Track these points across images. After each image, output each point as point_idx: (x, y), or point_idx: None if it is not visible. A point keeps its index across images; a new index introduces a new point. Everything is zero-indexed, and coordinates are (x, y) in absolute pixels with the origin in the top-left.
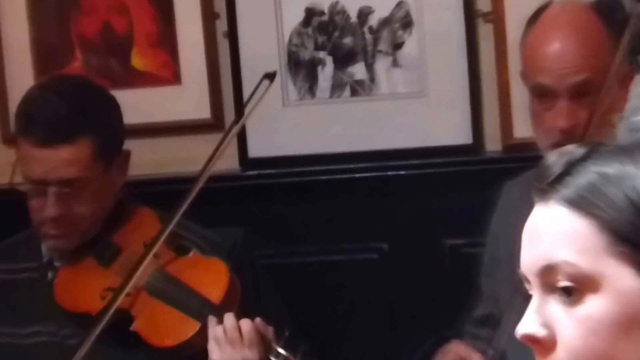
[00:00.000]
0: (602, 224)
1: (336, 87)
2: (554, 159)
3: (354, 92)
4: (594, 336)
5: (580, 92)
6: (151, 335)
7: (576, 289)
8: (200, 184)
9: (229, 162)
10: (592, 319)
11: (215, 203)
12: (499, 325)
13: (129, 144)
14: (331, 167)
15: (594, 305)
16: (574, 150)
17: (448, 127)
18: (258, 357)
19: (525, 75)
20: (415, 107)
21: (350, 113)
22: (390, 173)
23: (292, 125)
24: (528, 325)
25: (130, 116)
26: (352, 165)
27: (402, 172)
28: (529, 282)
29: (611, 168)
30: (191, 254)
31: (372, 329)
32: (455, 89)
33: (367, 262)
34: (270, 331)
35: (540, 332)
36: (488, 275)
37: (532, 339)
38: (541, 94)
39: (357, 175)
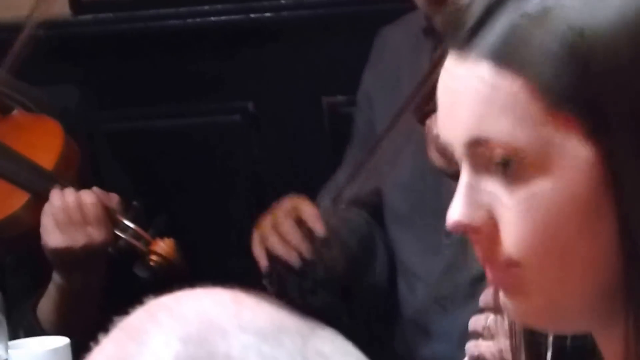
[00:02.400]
0: (539, 86)
1: None
2: None
3: None
4: (544, 221)
5: None
6: None
7: (516, 162)
8: (25, 33)
9: (57, 5)
10: (539, 201)
11: (43, 56)
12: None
13: None
14: (182, 9)
15: (539, 185)
16: None
17: None
18: (104, 234)
19: None
20: None
21: None
22: (253, 15)
23: None
24: (460, 210)
25: None
26: (207, 7)
27: (269, 14)
28: (452, 151)
29: (533, 4)
30: (15, 112)
31: (235, 204)
32: None
33: (228, 126)
34: (115, 202)
35: (476, 217)
36: (360, 146)
37: (466, 227)
38: None
39: (213, 18)
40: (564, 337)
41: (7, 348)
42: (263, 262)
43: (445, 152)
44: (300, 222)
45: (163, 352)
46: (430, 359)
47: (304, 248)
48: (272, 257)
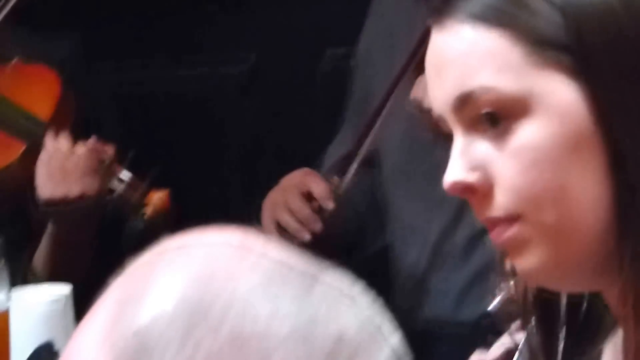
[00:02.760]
0: (518, 32)
1: None
2: None
3: None
4: (535, 167)
5: None
6: None
7: (502, 116)
8: None
9: None
10: (529, 148)
11: (41, 6)
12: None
13: None
14: None
15: (527, 133)
16: None
17: None
18: (99, 184)
19: None
20: None
21: None
22: None
23: None
24: (455, 171)
25: None
26: None
27: None
28: (446, 123)
29: None
30: (13, 62)
31: (236, 160)
32: None
33: (230, 78)
34: (111, 153)
35: (471, 176)
36: (359, 105)
37: (463, 187)
38: None
39: None
40: (578, 303)
41: (8, 294)
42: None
43: (437, 125)
44: (309, 197)
45: (170, 291)
46: (428, 317)
47: (314, 224)
48: (282, 231)
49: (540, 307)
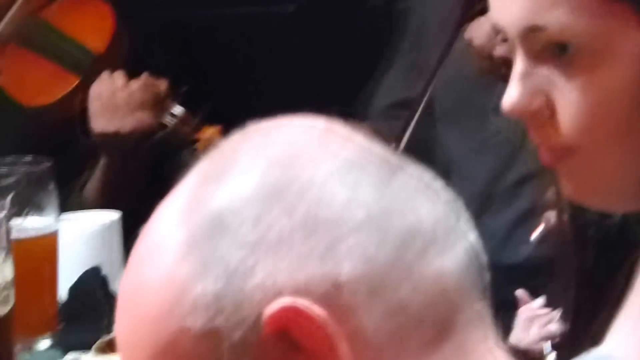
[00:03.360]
0: None
1: None
2: None
3: None
4: (603, 106)
5: None
6: (20, 91)
7: (573, 47)
8: None
9: None
10: (596, 86)
11: None
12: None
13: None
14: None
15: (596, 72)
16: None
17: None
18: (152, 119)
19: None
20: None
21: None
22: None
23: None
24: (515, 95)
25: None
26: None
27: None
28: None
29: None
30: None
31: (280, 94)
32: None
33: (277, 18)
34: (164, 87)
35: (532, 102)
36: (409, 55)
37: (522, 112)
38: None
39: None
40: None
41: (58, 218)
42: None
43: (491, 58)
44: None
45: (249, 171)
46: None
47: None
48: None
49: (576, 228)
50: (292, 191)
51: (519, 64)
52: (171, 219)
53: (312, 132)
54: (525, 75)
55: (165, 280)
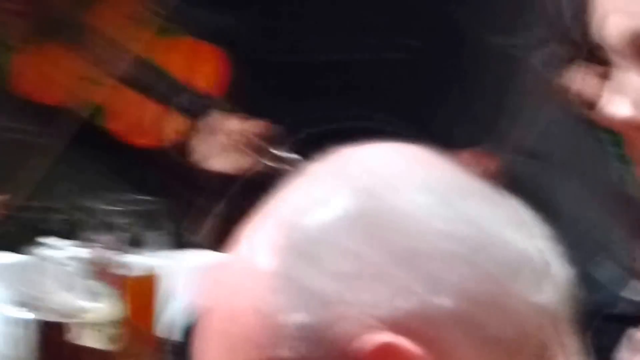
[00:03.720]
0: None
1: None
2: None
3: None
4: None
5: None
6: (129, 133)
7: None
8: None
9: None
10: None
11: None
12: None
13: None
14: None
15: None
16: None
17: None
18: (256, 161)
19: None
20: None
21: None
22: None
23: None
24: (625, 107)
25: None
26: None
27: None
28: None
29: None
30: (177, 36)
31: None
32: None
33: (392, 63)
34: (268, 130)
35: None
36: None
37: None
38: None
39: None
40: None
41: (166, 256)
42: None
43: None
44: None
45: (341, 201)
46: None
47: None
48: None
49: None
50: (388, 223)
51: (627, 77)
52: (261, 247)
53: (399, 159)
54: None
55: (258, 310)
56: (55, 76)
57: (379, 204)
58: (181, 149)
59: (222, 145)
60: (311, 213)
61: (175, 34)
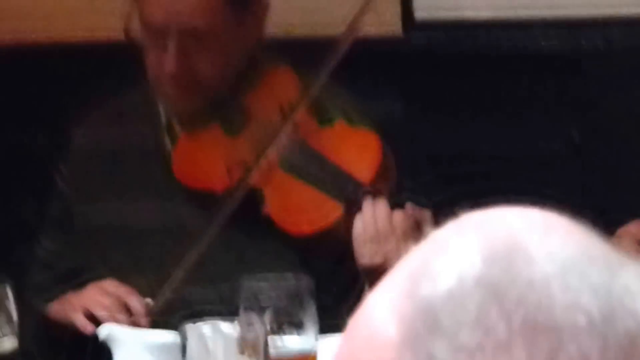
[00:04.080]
0: None
1: None
2: None
3: None
4: None
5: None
6: (286, 219)
7: None
8: (348, 44)
9: (387, 22)
10: None
11: (370, 71)
12: None
13: None
14: (516, 33)
15: None
16: None
17: None
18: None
19: None
20: None
21: None
22: (584, 44)
23: None
24: None
25: None
26: (537, 33)
27: (599, 44)
28: None
29: None
30: (336, 123)
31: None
32: None
33: (551, 157)
34: (427, 218)
35: None
36: None
37: None
38: None
39: (544, 43)
40: None
41: (317, 338)
42: None
43: None
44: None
45: (465, 269)
46: None
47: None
48: None
49: None
50: (510, 293)
51: None
52: (384, 313)
53: (531, 227)
54: None
55: None
56: (214, 161)
57: (505, 273)
58: (337, 234)
59: (380, 234)
60: (438, 281)
61: (335, 121)
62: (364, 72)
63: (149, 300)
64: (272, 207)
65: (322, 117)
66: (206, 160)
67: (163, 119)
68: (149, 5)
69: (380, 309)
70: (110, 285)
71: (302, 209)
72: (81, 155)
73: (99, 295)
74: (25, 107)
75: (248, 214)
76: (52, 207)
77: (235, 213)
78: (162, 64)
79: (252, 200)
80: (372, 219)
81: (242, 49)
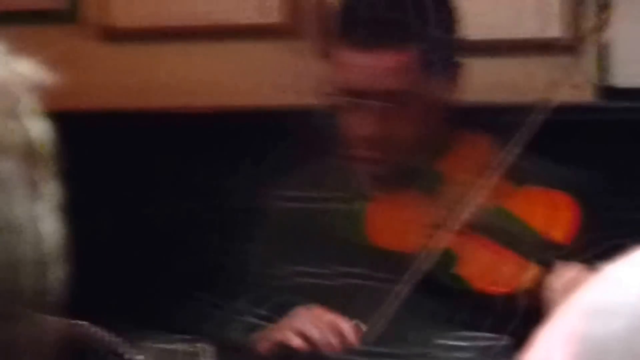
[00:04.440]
0: None
1: None
2: None
3: None
4: None
5: None
6: (479, 279)
7: None
8: (543, 113)
9: (580, 90)
10: None
11: (563, 138)
12: None
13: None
14: None
15: None
16: None
17: None
18: None
19: None
20: None
21: None
22: None
23: None
24: None
25: (469, 29)
26: None
27: None
28: None
29: None
30: (532, 186)
31: None
32: None
33: None
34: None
35: None
36: None
37: None
38: None
39: None
40: None
41: None
42: None
43: None
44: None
45: (627, 306)
46: None
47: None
48: None
49: None
50: None
51: None
52: (553, 350)
53: None
54: None
55: None
56: (408, 222)
57: None
58: (532, 294)
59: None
60: (604, 320)
61: (530, 184)
62: (561, 138)
63: (358, 322)
64: (465, 267)
65: (518, 181)
66: (400, 222)
67: (354, 181)
68: (348, 69)
69: (553, 344)
70: (320, 310)
71: (497, 269)
72: (277, 218)
73: (311, 319)
74: (216, 173)
75: (439, 275)
76: (249, 269)
77: (427, 274)
78: (360, 126)
79: (445, 261)
80: (567, 281)
81: (437, 113)
